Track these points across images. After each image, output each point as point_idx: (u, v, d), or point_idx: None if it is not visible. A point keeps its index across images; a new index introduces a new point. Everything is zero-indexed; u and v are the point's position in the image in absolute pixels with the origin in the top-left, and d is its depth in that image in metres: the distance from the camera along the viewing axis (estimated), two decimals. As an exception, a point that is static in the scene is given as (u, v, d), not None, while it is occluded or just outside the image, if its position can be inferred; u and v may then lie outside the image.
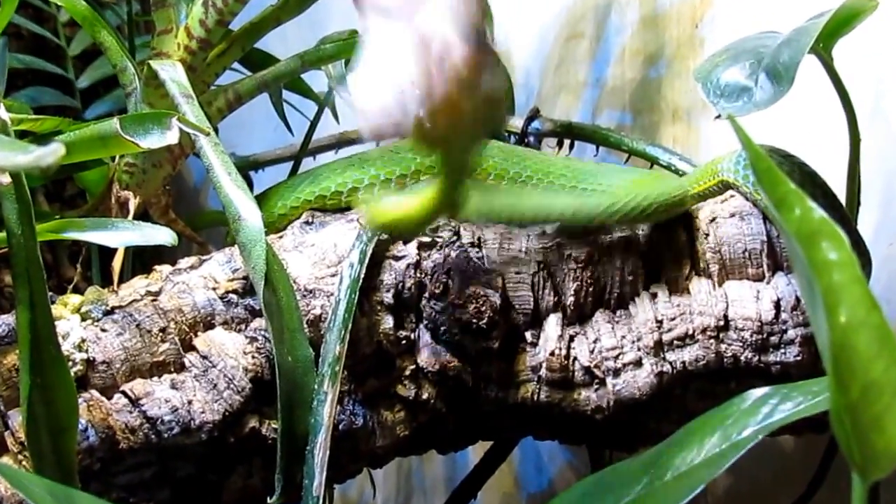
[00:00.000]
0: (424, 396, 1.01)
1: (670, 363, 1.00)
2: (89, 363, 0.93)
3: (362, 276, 0.98)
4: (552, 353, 1.01)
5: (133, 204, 1.17)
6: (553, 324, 1.02)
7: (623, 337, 1.01)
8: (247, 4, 1.14)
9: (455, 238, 1.03)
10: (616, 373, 1.00)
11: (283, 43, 1.43)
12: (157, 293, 0.98)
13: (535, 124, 1.35)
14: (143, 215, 1.19)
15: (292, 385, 0.92)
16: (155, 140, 0.85)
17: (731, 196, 1.04)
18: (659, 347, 1.00)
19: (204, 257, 1.04)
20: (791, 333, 0.99)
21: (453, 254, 1.02)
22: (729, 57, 1.01)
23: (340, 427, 0.98)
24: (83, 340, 0.93)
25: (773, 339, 0.99)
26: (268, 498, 0.91)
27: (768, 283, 1.02)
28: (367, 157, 1.16)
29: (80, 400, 0.89)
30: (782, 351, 0.99)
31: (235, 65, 1.28)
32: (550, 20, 1.63)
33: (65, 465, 0.82)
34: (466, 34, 0.63)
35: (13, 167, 0.76)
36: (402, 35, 0.64)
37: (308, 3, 1.20)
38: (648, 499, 0.74)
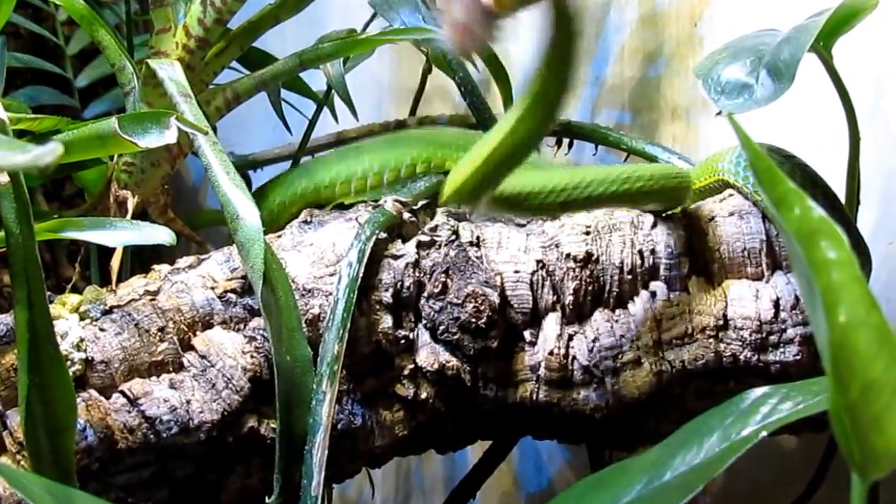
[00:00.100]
0: (423, 396, 1.01)
1: (669, 362, 1.00)
2: (88, 363, 0.93)
3: (361, 275, 0.98)
4: (551, 353, 1.01)
5: (131, 203, 1.16)
6: (552, 323, 1.02)
7: (622, 336, 1.01)
8: (245, 3, 1.14)
9: (454, 237, 1.03)
10: (615, 372, 1.00)
11: (282, 42, 1.43)
12: (156, 292, 0.98)
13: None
14: (141, 214, 1.19)
15: (291, 384, 0.92)
16: (153, 139, 0.85)
17: (730, 195, 1.05)
18: (658, 346, 1.00)
19: (202, 256, 1.04)
20: (790, 333, 0.99)
21: (452, 253, 1.02)
22: (729, 54, 1.01)
23: (339, 427, 0.98)
24: (81, 340, 0.93)
25: (773, 338, 0.99)
26: (266, 498, 0.91)
27: (767, 282, 1.02)
28: (362, 148, 1.16)
29: (78, 399, 0.89)
30: (781, 350, 0.99)
31: (234, 64, 1.28)
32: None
33: (63, 464, 0.82)
34: None
35: (11, 166, 0.76)
36: None
37: (306, 2, 1.20)
38: (648, 498, 0.74)
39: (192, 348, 0.97)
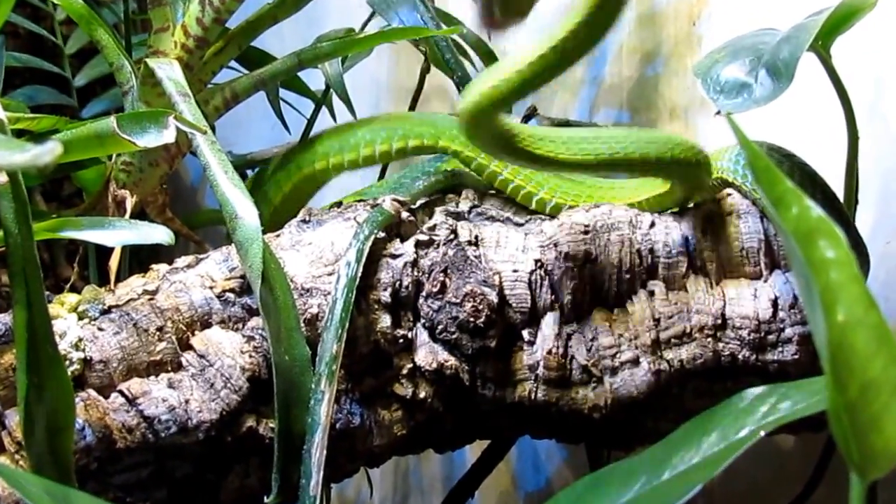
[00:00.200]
0: (422, 395, 1.01)
1: (668, 361, 1.00)
2: (86, 362, 0.93)
3: (359, 274, 0.98)
4: (549, 352, 1.01)
5: (130, 203, 1.16)
6: (550, 322, 1.02)
7: (620, 335, 1.01)
8: (244, 2, 1.13)
9: (452, 236, 1.03)
10: (613, 371, 1.00)
11: (280, 41, 1.43)
12: (154, 292, 0.98)
13: (533, 122, 1.35)
14: (140, 214, 1.19)
15: (289, 384, 0.92)
16: (152, 139, 0.85)
17: (729, 194, 1.04)
18: (656, 346, 1.00)
19: (201, 256, 1.04)
20: (788, 332, 0.99)
21: (451, 252, 1.02)
22: (728, 53, 1.01)
23: (337, 426, 0.98)
24: (80, 339, 0.93)
25: (771, 337, 0.99)
26: (265, 497, 0.91)
27: (766, 281, 1.02)
28: (354, 123, 1.17)
29: (77, 399, 0.89)
30: (780, 349, 0.99)
31: (232, 63, 1.28)
32: (547, 18, 1.62)
33: (62, 464, 0.82)
34: None
35: (10, 166, 0.76)
36: None
37: (304, 2, 1.20)
38: (646, 498, 0.74)
39: (190, 348, 0.97)
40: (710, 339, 1.00)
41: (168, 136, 0.85)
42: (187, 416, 0.93)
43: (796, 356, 0.99)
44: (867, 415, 0.50)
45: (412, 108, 1.55)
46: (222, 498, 0.98)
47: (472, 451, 1.44)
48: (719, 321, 1.00)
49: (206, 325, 0.98)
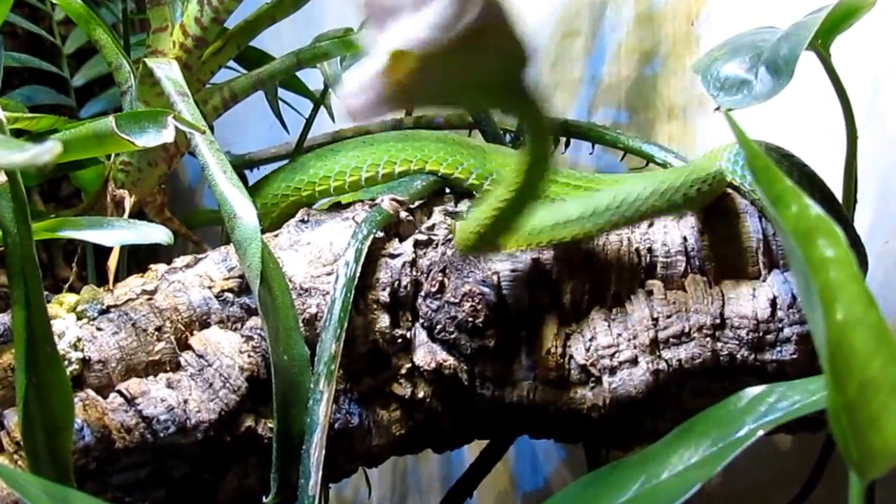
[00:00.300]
0: (420, 395, 1.01)
1: (666, 361, 1.00)
2: (85, 362, 0.93)
3: (358, 274, 0.98)
4: (548, 352, 1.01)
5: (128, 203, 1.16)
6: (549, 322, 1.02)
7: (619, 335, 1.01)
8: (242, 2, 1.13)
9: (451, 236, 1.03)
10: (612, 371, 1.00)
11: (279, 41, 1.42)
12: (153, 292, 0.98)
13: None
14: (138, 214, 1.19)
15: (288, 384, 0.92)
16: (151, 138, 0.85)
17: (727, 193, 1.04)
18: (655, 345, 1.00)
19: (199, 256, 1.04)
20: (787, 332, 0.99)
21: (449, 251, 1.02)
22: (728, 51, 1.01)
23: (336, 426, 0.98)
24: (79, 339, 0.93)
25: (770, 337, 0.99)
26: (263, 497, 0.91)
27: (764, 281, 1.02)
28: (338, 147, 1.16)
29: (75, 399, 0.89)
30: (778, 349, 0.99)
31: (231, 63, 1.28)
32: (546, 17, 1.63)
33: (60, 464, 0.82)
34: None
35: (10, 165, 0.76)
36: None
37: (303, 2, 1.20)
38: (645, 498, 0.74)
39: (189, 348, 0.97)
40: (708, 339, 1.00)
41: (167, 135, 0.85)
42: (186, 416, 0.93)
43: (795, 356, 0.99)
44: (866, 414, 0.50)
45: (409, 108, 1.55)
46: (221, 498, 0.98)
47: (471, 451, 1.44)
48: (718, 321, 1.00)
49: (205, 324, 0.98)
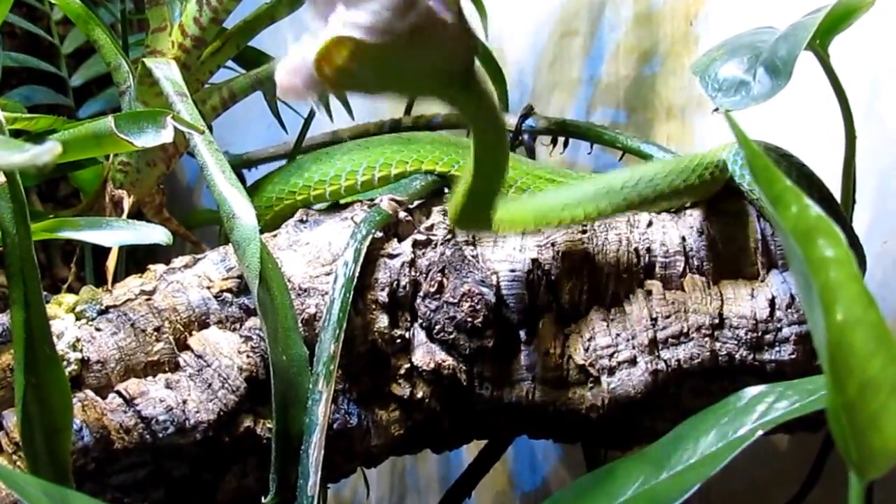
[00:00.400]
0: (419, 395, 1.01)
1: (665, 361, 1.00)
2: (84, 363, 0.93)
3: (357, 274, 0.98)
4: (547, 352, 1.01)
5: (127, 203, 1.16)
6: (548, 322, 1.02)
7: (618, 335, 1.01)
8: (241, 2, 1.13)
9: (450, 236, 1.03)
10: (611, 371, 1.00)
11: (278, 41, 1.42)
12: (152, 292, 0.98)
13: (530, 122, 1.35)
14: (137, 214, 1.19)
15: (287, 384, 0.92)
16: (149, 138, 0.85)
17: (727, 194, 1.04)
18: (654, 345, 1.00)
19: (198, 256, 1.04)
20: (786, 332, 0.99)
21: (448, 252, 1.02)
22: (726, 52, 1.01)
23: (335, 426, 0.98)
24: (78, 340, 0.93)
25: (768, 337, 0.99)
26: (262, 497, 0.91)
27: (763, 281, 1.02)
28: (334, 150, 1.16)
29: (74, 400, 0.89)
30: (777, 349, 0.99)
31: (230, 63, 1.28)
32: (544, 17, 1.63)
33: (59, 465, 0.82)
34: None
35: (9, 165, 0.76)
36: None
37: (301, 2, 1.20)
38: (644, 497, 0.74)
39: (188, 348, 0.97)
40: (707, 339, 1.00)
41: (166, 135, 0.85)
42: (185, 416, 0.93)
43: (793, 356, 0.99)
44: (866, 414, 0.50)
45: (409, 108, 1.55)
46: (220, 498, 0.98)
47: (469, 452, 1.44)
48: (716, 321, 1.00)
49: (204, 325, 0.98)
